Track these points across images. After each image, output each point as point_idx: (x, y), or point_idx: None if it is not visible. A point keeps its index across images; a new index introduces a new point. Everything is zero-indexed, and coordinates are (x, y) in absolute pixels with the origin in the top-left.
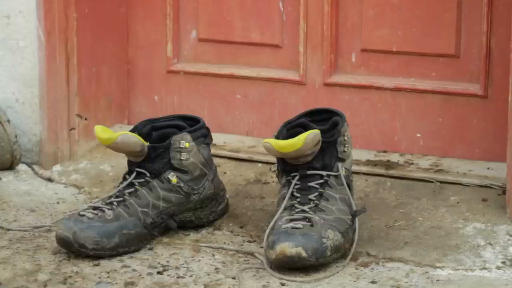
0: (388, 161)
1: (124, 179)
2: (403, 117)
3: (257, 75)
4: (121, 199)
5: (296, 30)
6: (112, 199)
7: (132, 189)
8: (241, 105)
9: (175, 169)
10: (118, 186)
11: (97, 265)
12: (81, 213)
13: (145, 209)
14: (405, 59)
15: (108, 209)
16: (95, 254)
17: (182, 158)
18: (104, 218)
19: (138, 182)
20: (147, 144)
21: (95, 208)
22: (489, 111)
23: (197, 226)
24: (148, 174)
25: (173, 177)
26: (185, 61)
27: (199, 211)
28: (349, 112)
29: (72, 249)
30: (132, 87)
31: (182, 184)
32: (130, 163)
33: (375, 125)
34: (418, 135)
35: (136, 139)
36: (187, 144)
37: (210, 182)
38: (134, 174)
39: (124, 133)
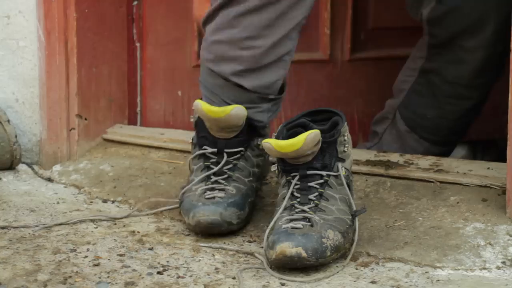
0: (388, 161)
1: (201, 158)
2: None
3: None
4: (225, 176)
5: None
6: (214, 179)
7: (230, 166)
8: None
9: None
10: (203, 169)
11: (97, 265)
12: (207, 196)
13: (250, 178)
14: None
15: (225, 185)
16: (238, 228)
17: None
18: (230, 194)
19: (233, 158)
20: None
21: (212, 189)
22: None
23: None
24: (240, 149)
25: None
26: None
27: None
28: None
29: (222, 228)
30: (152, 86)
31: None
32: (212, 142)
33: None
34: None
35: (246, 113)
36: None
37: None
38: (225, 156)
39: (237, 106)
